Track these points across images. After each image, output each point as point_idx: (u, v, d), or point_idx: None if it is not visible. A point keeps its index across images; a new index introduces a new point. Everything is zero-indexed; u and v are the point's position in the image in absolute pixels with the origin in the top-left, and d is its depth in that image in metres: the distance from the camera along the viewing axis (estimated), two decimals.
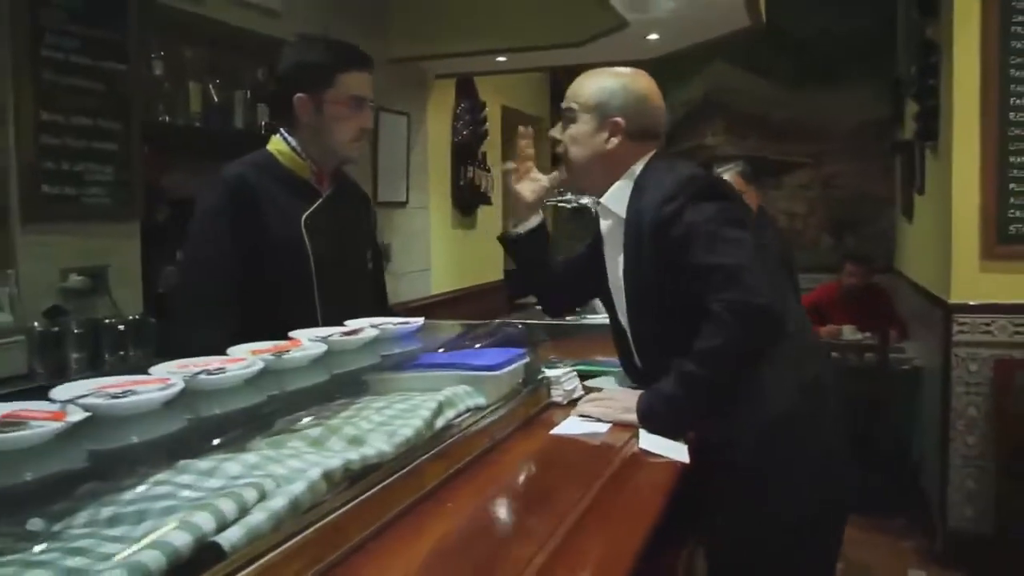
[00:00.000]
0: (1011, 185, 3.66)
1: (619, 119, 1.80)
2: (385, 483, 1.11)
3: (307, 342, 1.41)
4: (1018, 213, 3.66)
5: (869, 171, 5.92)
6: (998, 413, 3.59)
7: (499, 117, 5.69)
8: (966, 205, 3.66)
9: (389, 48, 4.29)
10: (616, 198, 1.80)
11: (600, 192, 1.86)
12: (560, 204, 2.74)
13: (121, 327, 2.37)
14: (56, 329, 2.28)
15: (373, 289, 2.13)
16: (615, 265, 1.82)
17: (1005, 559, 3.53)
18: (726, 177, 4.87)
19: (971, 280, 3.66)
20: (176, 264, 1.92)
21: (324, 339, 1.45)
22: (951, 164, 3.69)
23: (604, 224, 1.87)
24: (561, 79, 6.47)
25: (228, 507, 0.88)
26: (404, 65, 4.41)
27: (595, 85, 1.88)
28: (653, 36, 4.43)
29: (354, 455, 1.08)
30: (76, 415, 1.01)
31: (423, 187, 4.66)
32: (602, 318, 2.76)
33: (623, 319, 1.81)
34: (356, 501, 1.05)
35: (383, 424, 1.29)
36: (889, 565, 3.72)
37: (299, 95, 1.92)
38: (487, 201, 5.29)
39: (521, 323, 2.74)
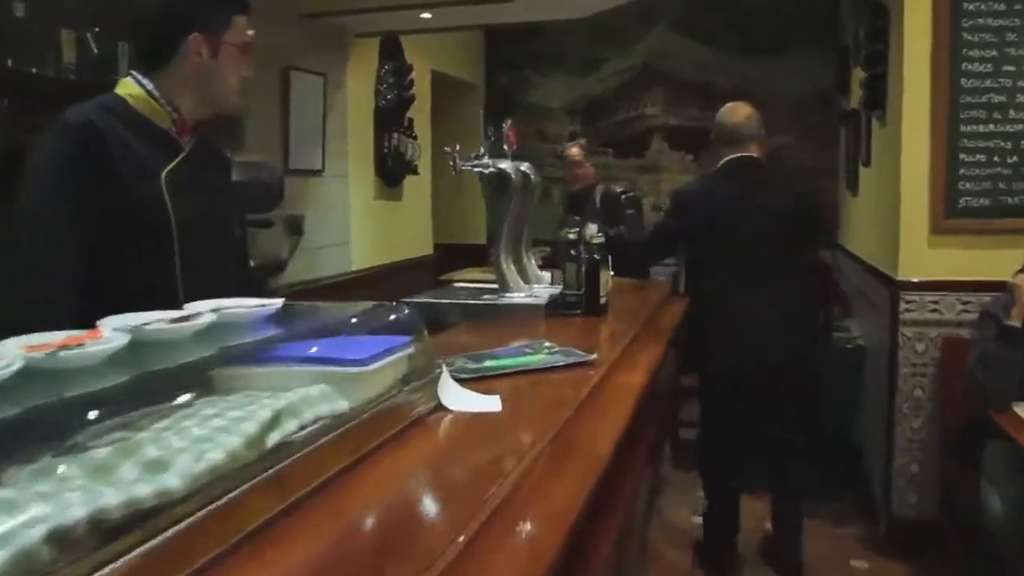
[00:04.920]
0: (961, 156, 3.47)
1: None
2: (174, 531, 0.82)
3: (109, 333, 1.10)
4: (968, 185, 3.47)
5: (814, 143, 5.71)
6: (944, 395, 3.42)
7: (428, 81, 5.36)
8: (914, 177, 3.46)
9: (301, 2, 3.94)
10: None
11: None
12: (476, 170, 2.45)
13: None
14: None
15: (239, 263, 1.83)
16: None
17: (949, 546, 3.37)
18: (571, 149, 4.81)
19: (919, 256, 3.47)
20: (7, 224, 1.59)
21: (137, 328, 1.14)
22: (900, 134, 3.49)
23: None
24: (497, 42, 6.18)
25: None
26: (319, 21, 4.07)
27: None
28: None
29: (113, 498, 0.78)
30: None
31: (341, 155, 4.32)
32: (521, 297, 2.51)
33: None
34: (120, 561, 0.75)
35: (203, 441, 1.00)
36: (829, 554, 3.54)
37: (195, 35, 1.67)
38: (414, 171, 4.96)
39: (426, 301, 2.46)
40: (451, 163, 2.47)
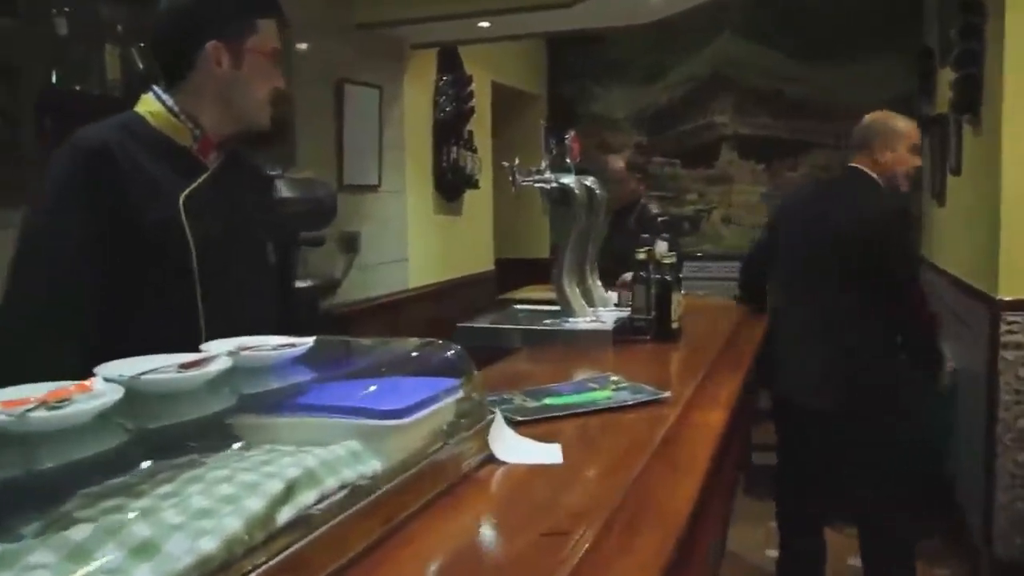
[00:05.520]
0: None
1: None
2: None
3: (100, 384, 0.94)
4: None
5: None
6: None
7: (488, 93, 5.20)
8: (1016, 186, 3.17)
9: (355, 12, 3.81)
10: None
11: None
12: (537, 185, 2.27)
13: None
14: None
15: (277, 291, 1.66)
16: None
17: None
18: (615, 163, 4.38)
19: (1022, 273, 3.17)
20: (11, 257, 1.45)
21: (135, 378, 0.97)
22: (999, 139, 3.20)
23: None
24: (559, 52, 6.01)
25: None
26: (374, 32, 3.93)
27: None
28: None
29: None
30: None
31: (399, 169, 4.18)
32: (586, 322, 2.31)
33: None
34: None
35: (202, 516, 0.83)
36: None
37: (213, 43, 1.50)
38: (474, 185, 4.79)
39: (483, 327, 2.27)
40: (510, 179, 2.29)
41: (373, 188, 4.02)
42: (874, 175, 2.82)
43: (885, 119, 2.91)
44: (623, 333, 2.24)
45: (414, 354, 1.26)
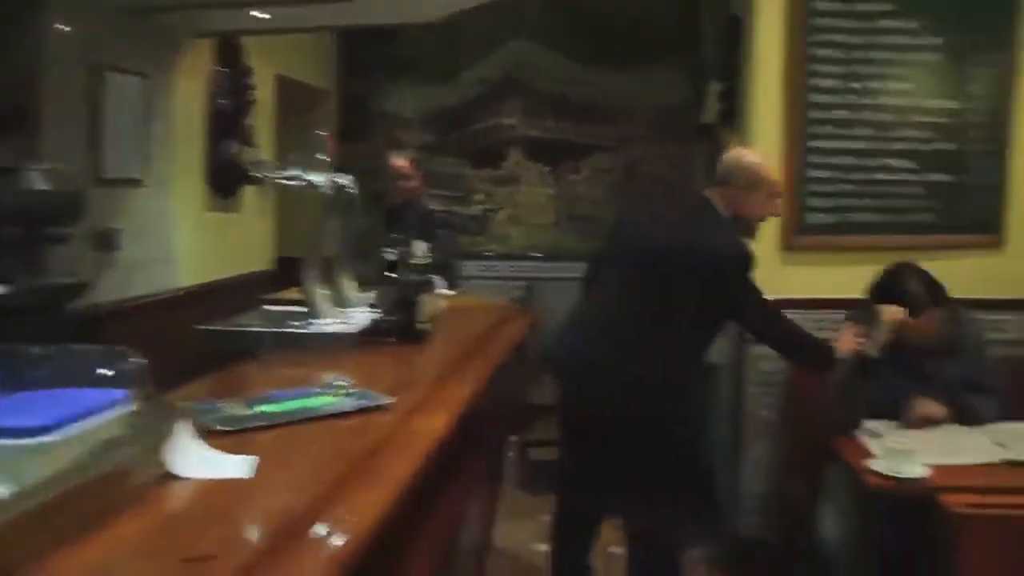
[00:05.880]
0: (810, 172, 3.41)
1: None
2: None
3: None
4: (817, 202, 3.41)
5: (672, 156, 5.65)
6: (791, 415, 3.33)
7: (272, 87, 5.02)
8: None
9: None
10: None
11: None
12: (279, 181, 2.19)
13: None
14: None
15: None
16: None
17: (793, 568, 3.30)
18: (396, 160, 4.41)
19: (770, 273, 3.37)
20: None
21: None
22: (750, 146, 3.39)
23: None
24: (351, 48, 5.90)
25: None
26: (143, 19, 3.69)
27: None
28: None
29: None
30: None
31: (167, 164, 3.94)
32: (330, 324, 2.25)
33: None
34: None
35: None
36: None
37: None
38: (252, 181, 4.60)
39: (221, 329, 2.17)
40: (257, 174, 2.20)
41: (136, 183, 3.77)
42: (725, 212, 2.75)
43: (751, 164, 2.81)
44: (370, 336, 2.19)
45: (76, 364, 1.15)
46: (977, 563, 1.94)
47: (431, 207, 4.58)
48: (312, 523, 1.06)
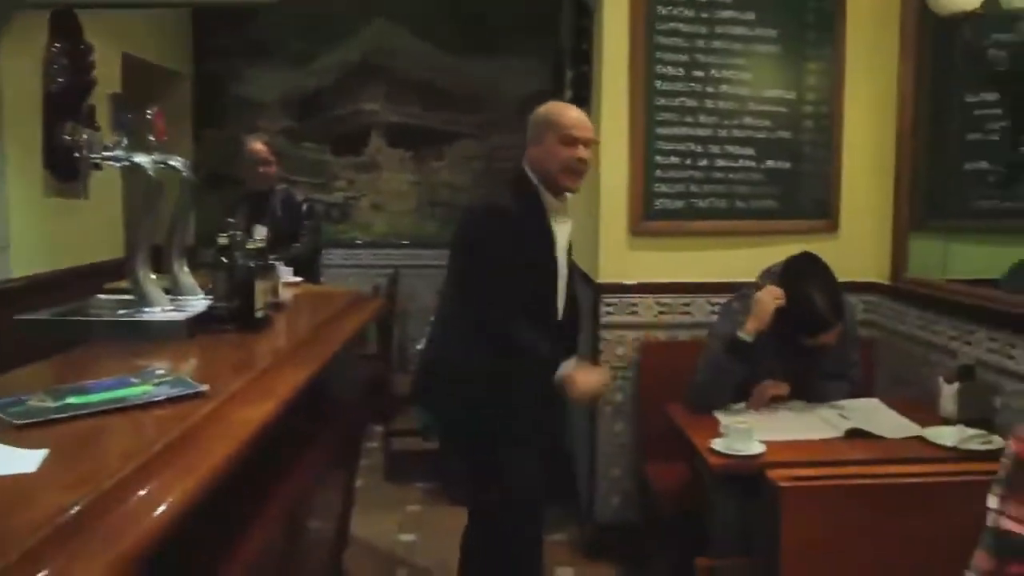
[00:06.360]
0: (657, 158, 3.49)
1: None
2: None
3: None
4: (664, 187, 3.50)
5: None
6: (643, 396, 3.42)
7: (118, 66, 4.79)
8: (613, 178, 3.44)
9: None
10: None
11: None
12: (107, 163, 2.09)
13: None
14: None
15: None
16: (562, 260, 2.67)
17: (651, 547, 3.40)
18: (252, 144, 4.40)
19: (618, 258, 3.46)
20: None
21: None
22: (599, 133, 3.44)
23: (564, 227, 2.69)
24: (206, 29, 5.70)
25: None
26: None
27: None
28: None
29: None
30: None
31: None
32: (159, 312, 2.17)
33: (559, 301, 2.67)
34: None
35: None
36: None
37: None
38: (95, 166, 4.38)
39: (44, 318, 2.06)
40: (76, 154, 2.10)
41: None
42: (531, 173, 2.61)
43: (537, 112, 2.67)
44: (203, 323, 2.12)
45: None
46: (798, 531, 2.03)
47: (297, 195, 4.50)
48: (98, 518, 1.02)
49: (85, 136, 4.15)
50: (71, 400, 1.46)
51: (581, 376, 2.55)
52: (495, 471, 2.59)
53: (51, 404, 1.43)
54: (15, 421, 1.32)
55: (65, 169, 4.16)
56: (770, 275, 2.96)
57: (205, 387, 1.53)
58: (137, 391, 1.53)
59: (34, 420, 1.34)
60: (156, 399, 1.48)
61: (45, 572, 0.88)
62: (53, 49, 4.10)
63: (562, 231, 2.68)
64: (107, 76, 4.55)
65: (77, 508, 1.01)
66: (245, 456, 1.38)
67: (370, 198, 5.78)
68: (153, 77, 5.37)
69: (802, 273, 2.87)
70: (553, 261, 2.66)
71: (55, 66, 4.11)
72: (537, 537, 2.76)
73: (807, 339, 2.82)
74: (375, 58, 5.71)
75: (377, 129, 5.75)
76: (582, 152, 2.56)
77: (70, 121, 4.15)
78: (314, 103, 5.74)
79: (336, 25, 5.66)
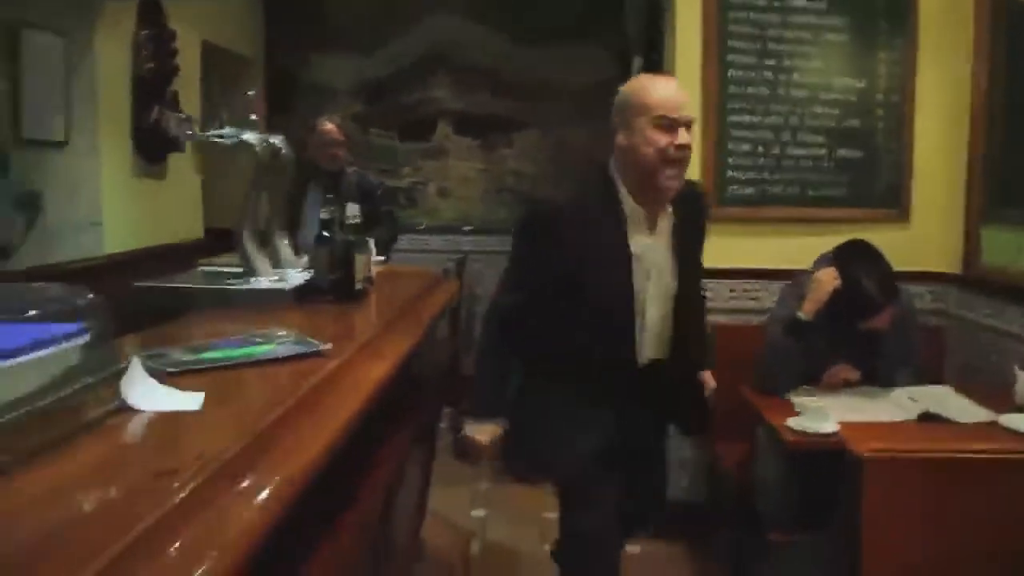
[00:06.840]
0: (729, 146, 3.54)
1: None
2: None
3: None
4: (736, 175, 3.55)
5: (601, 132, 5.74)
6: (718, 379, 3.46)
7: (198, 53, 4.96)
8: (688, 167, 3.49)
9: None
10: None
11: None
12: (214, 140, 2.21)
13: None
14: None
15: None
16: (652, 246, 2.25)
17: (715, 524, 3.46)
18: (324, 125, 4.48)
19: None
20: None
21: None
22: None
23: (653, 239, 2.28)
24: (277, 17, 5.85)
25: None
26: None
27: None
28: None
29: None
30: None
31: (91, 126, 3.89)
32: (266, 282, 2.28)
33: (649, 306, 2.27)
34: None
35: None
36: None
37: None
38: (178, 148, 4.55)
39: (159, 285, 2.19)
40: (186, 132, 2.22)
41: (59, 145, 3.72)
42: (621, 175, 2.23)
43: (620, 92, 2.25)
44: (307, 293, 2.24)
45: (36, 298, 1.19)
46: (880, 504, 2.08)
47: (371, 178, 4.64)
48: (263, 452, 1.13)
49: (183, 116, 4.31)
50: (206, 355, 1.58)
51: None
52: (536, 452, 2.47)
53: (192, 357, 1.55)
54: (168, 369, 1.43)
55: (151, 150, 4.33)
56: (824, 260, 3.03)
57: (328, 346, 1.63)
58: (264, 348, 1.64)
59: (183, 369, 1.45)
60: (284, 356, 1.59)
61: (252, 476, 1.00)
62: (141, 35, 4.26)
63: (652, 242, 2.28)
64: (188, 62, 4.71)
65: (251, 438, 1.12)
66: (367, 412, 1.48)
67: (437, 184, 5.90)
68: (228, 63, 5.53)
69: (852, 257, 2.94)
70: (621, 265, 2.24)
71: (143, 52, 4.28)
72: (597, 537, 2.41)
73: (860, 322, 2.88)
74: (441, 47, 5.82)
75: (444, 117, 5.86)
76: (682, 137, 2.11)
77: (156, 104, 4.32)
78: (382, 90, 5.87)
79: (405, 14, 5.78)
